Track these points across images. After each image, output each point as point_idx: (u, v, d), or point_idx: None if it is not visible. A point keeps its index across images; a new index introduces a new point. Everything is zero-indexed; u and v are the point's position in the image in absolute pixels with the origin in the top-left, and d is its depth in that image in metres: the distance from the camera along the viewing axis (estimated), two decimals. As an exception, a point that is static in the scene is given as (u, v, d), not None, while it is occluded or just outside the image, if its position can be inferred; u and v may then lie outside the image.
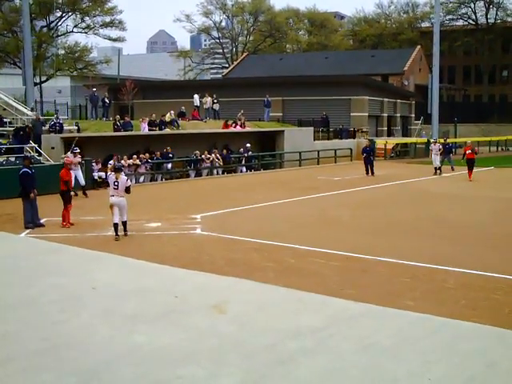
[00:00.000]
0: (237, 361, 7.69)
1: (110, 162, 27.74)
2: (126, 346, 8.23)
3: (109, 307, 9.90)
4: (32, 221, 17.44)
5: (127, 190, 15.99)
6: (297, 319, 9.19)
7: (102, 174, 27.52)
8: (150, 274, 12.19)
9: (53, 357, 7.88)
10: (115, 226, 15.82)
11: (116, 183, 15.88)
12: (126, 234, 16.05)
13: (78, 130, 31.52)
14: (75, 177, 23.62)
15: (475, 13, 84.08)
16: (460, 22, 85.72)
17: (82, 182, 24.59)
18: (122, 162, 27.26)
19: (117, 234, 15.79)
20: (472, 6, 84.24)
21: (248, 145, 36.06)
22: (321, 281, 11.56)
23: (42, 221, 17.80)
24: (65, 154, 25.83)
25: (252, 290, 11.01)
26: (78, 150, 24.58)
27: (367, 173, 33.02)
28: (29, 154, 24.69)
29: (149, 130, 33.11)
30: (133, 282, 11.55)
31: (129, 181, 16.46)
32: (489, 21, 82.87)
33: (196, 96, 40.66)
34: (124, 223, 16.03)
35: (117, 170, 16.49)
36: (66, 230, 17.00)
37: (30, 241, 15.82)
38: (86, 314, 9.57)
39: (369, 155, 33.48)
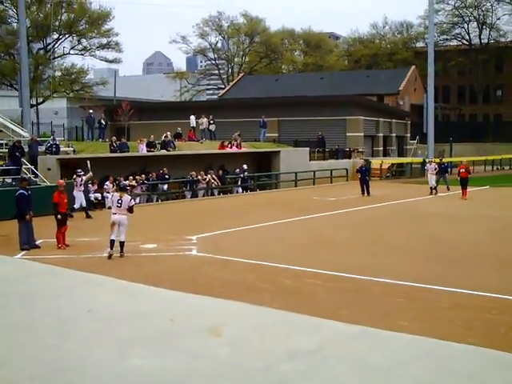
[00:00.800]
0: (231, 384, 7.69)
1: (107, 183, 27.84)
2: (121, 369, 8.21)
3: (104, 330, 9.89)
4: (28, 242, 17.47)
5: (130, 209, 16.21)
6: (291, 342, 9.20)
7: (98, 196, 27.63)
8: (145, 296, 12.19)
9: (48, 381, 7.86)
10: (111, 241, 15.99)
11: (120, 201, 16.11)
12: (122, 255, 16.07)
13: (74, 152, 31.65)
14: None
15: (469, 33, 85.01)
16: (454, 42, 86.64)
17: (84, 203, 24.80)
18: (127, 181, 27.31)
19: (111, 249, 15.93)
20: (465, 26, 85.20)
21: (245, 166, 36.18)
22: (316, 302, 11.58)
23: (37, 242, 17.83)
24: (61, 177, 26.03)
25: (247, 312, 11.01)
26: (83, 172, 25.10)
27: (363, 193, 33.11)
28: (26, 176, 24.78)
29: (147, 151, 33.23)
30: (128, 304, 11.54)
31: (132, 200, 16.66)
32: (482, 41, 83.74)
33: (192, 117, 40.83)
34: (121, 243, 16.10)
35: (122, 189, 16.91)
36: (61, 252, 17.02)
37: (25, 263, 15.81)
38: (81, 337, 9.55)
39: (364, 175, 33.59)
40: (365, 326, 9.97)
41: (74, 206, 24.22)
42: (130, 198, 16.56)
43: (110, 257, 15.98)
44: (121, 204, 16.09)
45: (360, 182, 33.63)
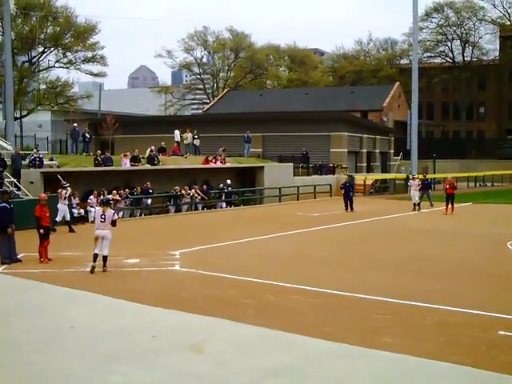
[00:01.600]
0: (214, 401, 7.65)
1: (90, 198, 27.69)
2: (102, 386, 8.15)
3: (86, 347, 9.81)
4: (9, 256, 17.29)
5: (113, 223, 16.14)
6: (274, 359, 9.17)
7: (82, 211, 27.41)
8: (127, 312, 12.11)
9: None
10: (94, 255, 15.96)
11: (103, 216, 16.08)
12: (104, 270, 15.95)
13: (57, 166, 31.47)
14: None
15: (452, 51, 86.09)
16: (438, 60, 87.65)
17: (67, 216, 24.64)
18: (110, 196, 27.14)
19: (94, 262, 15.86)
20: (449, 44, 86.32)
21: (229, 181, 36.19)
22: (300, 318, 11.55)
23: (19, 256, 17.65)
24: (44, 191, 25.86)
25: (230, 329, 10.97)
26: (68, 184, 25.06)
27: (346, 209, 33.18)
28: (8, 189, 24.58)
29: (131, 165, 33.10)
30: (110, 321, 11.46)
31: (115, 215, 16.64)
32: (465, 59, 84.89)
33: (177, 132, 40.75)
34: (104, 258, 16.02)
35: (104, 203, 16.77)
36: (43, 266, 16.87)
37: (5, 278, 15.64)
38: (62, 354, 9.47)
39: (348, 191, 33.69)
40: (349, 343, 9.96)
41: (56, 219, 24.00)
42: (113, 212, 16.55)
43: (92, 270, 15.86)
44: (104, 219, 16.08)
45: (344, 197, 33.71)
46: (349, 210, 33.03)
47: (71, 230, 24.35)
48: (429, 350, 9.60)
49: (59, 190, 25.00)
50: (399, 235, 24.40)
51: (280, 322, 11.18)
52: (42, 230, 17.59)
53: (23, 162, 29.57)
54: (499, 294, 13.84)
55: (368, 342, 10.02)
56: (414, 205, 33.52)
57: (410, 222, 28.85)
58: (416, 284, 14.88)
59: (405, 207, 34.11)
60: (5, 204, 17.54)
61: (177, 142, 40.45)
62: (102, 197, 28.24)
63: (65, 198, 24.73)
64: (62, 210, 24.54)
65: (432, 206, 34.53)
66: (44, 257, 17.49)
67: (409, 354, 9.41)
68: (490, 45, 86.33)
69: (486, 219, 30.20)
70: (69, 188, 25.11)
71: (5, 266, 16.71)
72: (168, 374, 8.58)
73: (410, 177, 40.32)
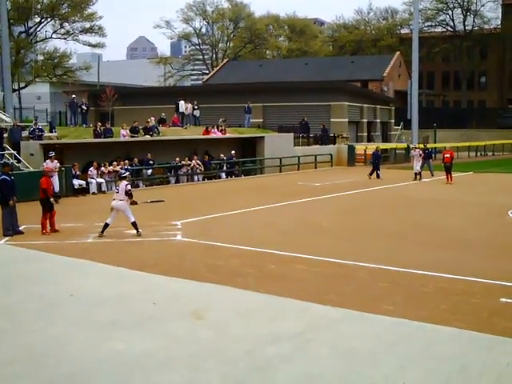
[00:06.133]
0: (215, 367, 7.68)
1: (91, 169, 27.65)
2: (103, 353, 8.18)
3: (86, 314, 9.84)
4: (12, 228, 17.29)
5: (128, 194, 16.89)
6: (275, 325, 9.19)
7: (83, 182, 27.33)
8: (129, 280, 12.13)
9: (29, 365, 7.82)
10: (105, 224, 16.71)
11: (117, 188, 17.14)
12: (139, 234, 16.75)
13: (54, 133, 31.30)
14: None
15: (453, 20, 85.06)
16: (439, 29, 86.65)
17: (57, 188, 24.23)
18: (124, 171, 26.64)
19: (102, 232, 16.68)
20: (450, 13, 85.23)
21: (233, 152, 36.13)
22: (301, 287, 11.56)
23: (21, 228, 17.65)
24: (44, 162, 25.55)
25: (231, 296, 10.99)
26: (53, 154, 24.42)
27: (371, 175, 34.17)
28: (9, 161, 24.45)
29: (131, 136, 32.94)
30: (112, 289, 11.49)
31: (128, 186, 17.15)
32: (466, 28, 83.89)
33: (182, 102, 39.68)
34: (132, 224, 16.84)
35: (119, 177, 17.96)
36: (45, 238, 16.86)
37: (7, 248, 15.67)
38: (63, 321, 9.49)
39: (377, 159, 34.96)
40: (350, 309, 9.99)
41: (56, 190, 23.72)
42: (125, 183, 17.09)
43: (100, 235, 16.69)
44: (118, 190, 16.95)
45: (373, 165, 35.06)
46: (373, 176, 33.99)
47: (55, 201, 23.83)
48: (430, 317, 9.62)
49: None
50: (400, 204, 24.38)
51: (282, 290, 11.19)
52: (52, 200, 17.74)
53: (23, 133, 29.43)
54: (500, 262, 13.84)
55: (370, 309, 10.04)
56: (415, 174, 33.50)
57: (411, 191, 28.81)
58: (417, 252, 14.88)
59: (405, 177, 34.05)
60: (4, 176, 17.48)
61: (181, 112, 39.71)
62: (102, 168, 28.34)
63: (53, 171, 23.92)
64: (54, 181, 23.95)
65: (432, 175, 34.48)
66: (50, 228, 17.51)
67: (410, 319, 9.44)
68: (491, 13, 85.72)
69: (486, 188, 30.14)
70: (48, 161, 24.21)
71: (7, 238, 16.71)
72: (168, 341, 8.60)
73: (411, 146, 40.22)
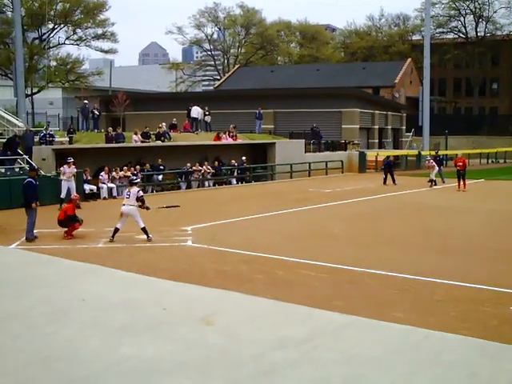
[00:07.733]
0: (223, 372, 7.71)
1: (102, 174, 27.82)
2: (114, 357, 8.23)
3: (98, 319, 9.89)
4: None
5: (140, 200, 17.19)
6: (283, 331, 9.22)
7: (94, 187, 27.50)
8: (139, 286, 12.19)
9: (42, 369, 7.87)
10: (116, 229, 16.94)
11: (128, 193, 17.34)
12: (149, 239, 16.93)
13: (71, 139, 31.45)
14: (68, 188, 23.60)
15: (465, 26, 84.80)
16: (450, 35, 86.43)
17: (74, 193, 24.30)
18: (135, 177, 26.72)
19: (112, 237, 16.89)
20: (462, 19, 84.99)
21: (244, 158, 36.21)
22: (309, 293, 11.59)
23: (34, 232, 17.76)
24: (56, 167, 25.65)
25: (240, 301, 11.03)
26: (72, 160, 24.41)
27: (384, 182, 34.52)
28: (35, 166, 24.50)
29: (142, 142, 33.08)
30: (122, 293, 11.54)
31: (140, 192, 17.43)
32: (478, 34, 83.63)
33: (196, 108, 39.31)
34: (142, 229, 16.98)
35: (130, 183, 18.07)
36: (57, 242, 16.99)
37: (19, 252, 15.79)
38: (75, 325, 9.56)
39: (390, 166, 35.40)
40: (358, 316, 9.99)
41: (61, 196, 23.76)
42: (137, 189, 17.37)
43: (111, 240, 16.90)
44: (129, 196, 17.15)
45: (384, 172, 35.49)
46: (388, 183, 34.52)
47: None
48: (439, 324, 9.61)
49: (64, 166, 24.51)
50: (410, 211, 24.34)
51: (289, 296, 11.22)
52: (79, 223, 18.05)
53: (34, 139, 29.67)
54: (511, 270, 13.80)
55: (378, 316, 10.04)
56: (431, 181, 33.52)
57: (422, 198, 28.76)
58: (427, 259, 14.86)
59: (416, 183, 34.02)
60: (31, 179, 17.64)
61: (195, 118, 39.31)
62: (113, 173, 28.50)
63: (69, 176, 24.06)
64: (72, 187, 24.07)
65: (444, 182, 34.46)
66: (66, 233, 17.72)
67: (418, 327, 9.43)
68: (504, 19, 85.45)
69: (498, 195, 30.07)
70: (65, 166, 24.21)
71: (19, 242, 16.83)
72: (178, 346, 8.65)
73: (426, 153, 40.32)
